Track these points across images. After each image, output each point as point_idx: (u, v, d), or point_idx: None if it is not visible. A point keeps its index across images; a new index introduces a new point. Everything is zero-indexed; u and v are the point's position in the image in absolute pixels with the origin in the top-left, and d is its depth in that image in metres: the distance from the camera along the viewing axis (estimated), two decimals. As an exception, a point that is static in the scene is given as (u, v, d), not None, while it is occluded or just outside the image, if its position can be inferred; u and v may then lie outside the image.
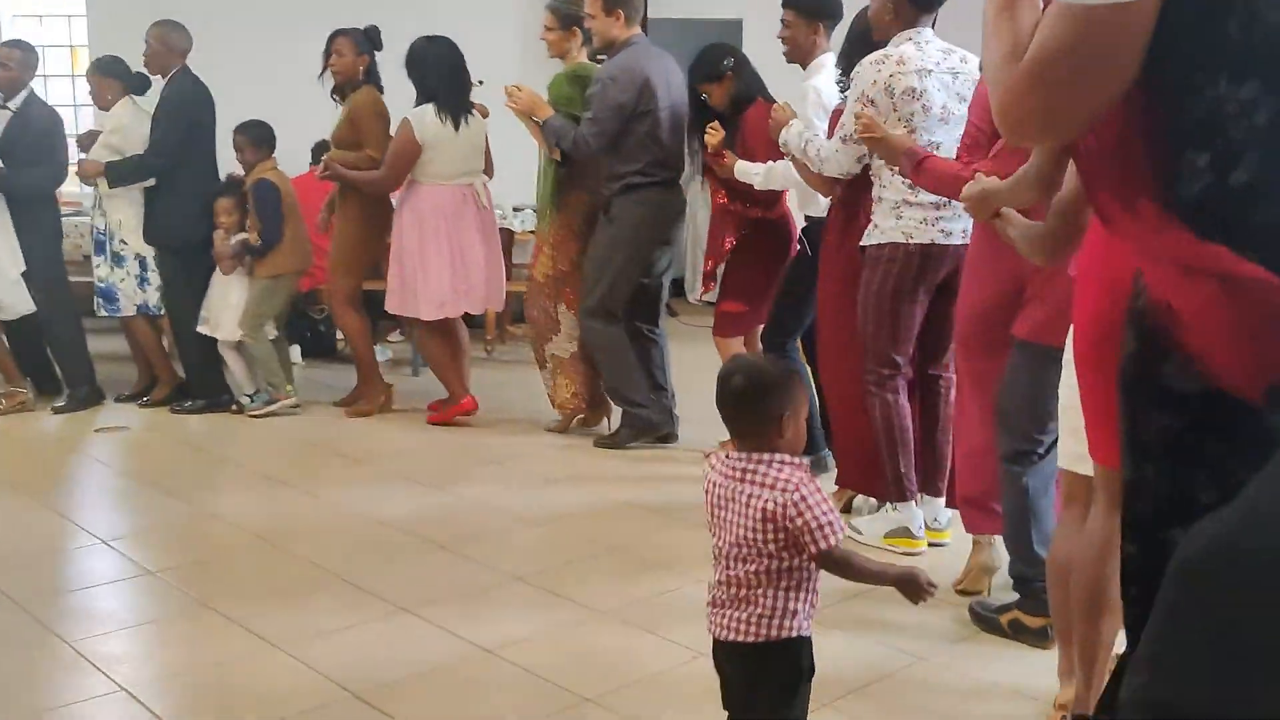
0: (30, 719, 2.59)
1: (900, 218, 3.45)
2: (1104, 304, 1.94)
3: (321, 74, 5.28)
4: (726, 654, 2.04)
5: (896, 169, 3.34)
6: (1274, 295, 1.36)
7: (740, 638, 1.98)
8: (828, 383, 4.00)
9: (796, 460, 1.99)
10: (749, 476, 1.96)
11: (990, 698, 2.72)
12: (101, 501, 4.42)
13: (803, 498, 1.92)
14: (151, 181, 5.30)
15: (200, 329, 5.36)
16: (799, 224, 4.43)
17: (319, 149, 6.17)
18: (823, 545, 1.92)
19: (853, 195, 3.75)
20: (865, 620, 3.08)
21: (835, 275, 3.82)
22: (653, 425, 4.86)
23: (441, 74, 5.04)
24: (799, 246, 4.34)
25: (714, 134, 4.27)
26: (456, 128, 5.08)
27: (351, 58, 5.22)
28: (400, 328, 6.63)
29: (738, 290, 4.50)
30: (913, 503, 3.63)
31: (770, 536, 1.94)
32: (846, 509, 4.01)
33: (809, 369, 4.22)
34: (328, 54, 5.25)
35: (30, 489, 4.36)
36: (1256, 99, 1.33)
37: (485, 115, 5.21)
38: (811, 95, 4.08)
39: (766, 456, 1.97)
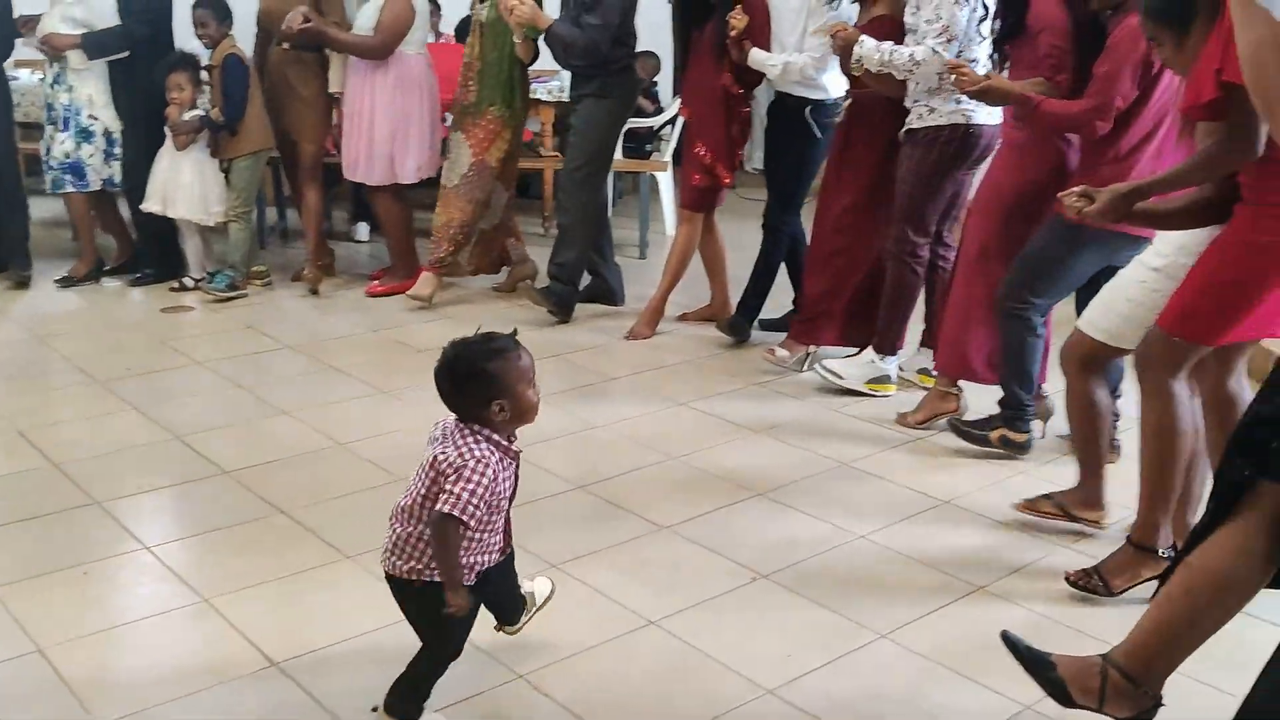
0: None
1: (960, 102, 3.69)
2: None
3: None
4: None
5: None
6: None
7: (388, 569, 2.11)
8: (824, 235, 4.27)
9: (498, 438, 2.02)
10: (449, 439, 2.02)
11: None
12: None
13: (464, 465, 1.96)
14: (125, 53, 5.18)
15: (147, 206, 5.25)
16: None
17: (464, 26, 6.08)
18: (443, 509, 1.95)
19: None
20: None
21: (876, 150, 4.08)
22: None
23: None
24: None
25: (739, 19, 4.35)
26: None
27: None
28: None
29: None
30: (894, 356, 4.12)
31: (427, 479, 2.01)
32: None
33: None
34: None
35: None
36: None
37: None
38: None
39: (476, 428, 2.02)
